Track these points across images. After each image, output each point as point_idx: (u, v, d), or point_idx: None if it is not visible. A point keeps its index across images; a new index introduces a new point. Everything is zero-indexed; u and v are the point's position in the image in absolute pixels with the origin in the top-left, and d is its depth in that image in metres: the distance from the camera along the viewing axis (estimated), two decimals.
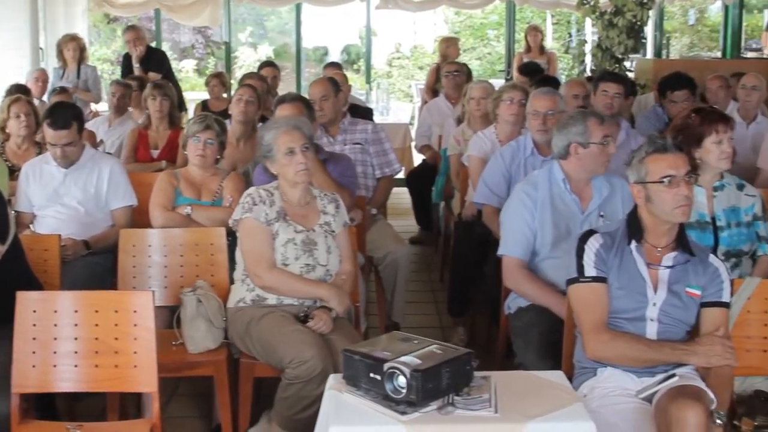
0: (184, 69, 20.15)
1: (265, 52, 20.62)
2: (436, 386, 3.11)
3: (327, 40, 20.85)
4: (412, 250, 7.44)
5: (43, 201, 5.43)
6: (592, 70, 9.76)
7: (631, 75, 10.34)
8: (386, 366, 3.11)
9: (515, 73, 11.24)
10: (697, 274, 3.66)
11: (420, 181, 8.76)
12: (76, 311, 3.78)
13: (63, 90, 8.69)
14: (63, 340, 3.76)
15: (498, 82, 9.00)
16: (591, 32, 13.31)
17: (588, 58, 10.39)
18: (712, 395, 3.41)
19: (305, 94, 6.31)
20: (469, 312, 6.14)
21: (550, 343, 4.16)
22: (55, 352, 3.76)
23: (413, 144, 10.02)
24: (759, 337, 3.94)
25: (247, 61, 19.59)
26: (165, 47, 14.95)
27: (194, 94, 14.78)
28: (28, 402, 3.94)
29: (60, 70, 10.01)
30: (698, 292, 3.65)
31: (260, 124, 6.38)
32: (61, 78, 9.84)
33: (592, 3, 9.80)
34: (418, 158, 9.78)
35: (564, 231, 4.49)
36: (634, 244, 3.67)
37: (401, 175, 8.26)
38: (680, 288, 3.64)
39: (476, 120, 7.08)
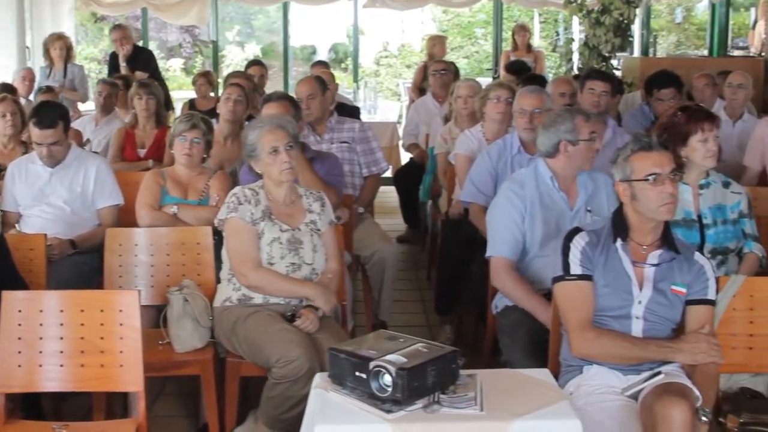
0: (172, 68, 20.12)
1: (253, 50, 20.61)
2: (421, 384, 3.11)
3: (315, 39, 20.83)
4: (399, 248, 7.45)
5: (29, 200, 5.41)
6: (579, 69, 9.79)
7: (618, 73, 10.39)
8: (372, 364, 3.11)
9: (502, 72, 11.24)
10: (683, 272, 3.67)
11: (407, 179, 8.74)
12: (61, 311, 3.78)
13: (49, 89, 8.66)
14: (49, 340, 3.76)
15: (486, 81, 8.97)
16: (578, 30, 13.33)
17: (575, 57, 10.42)
18: (697, 392, 3.41)
19: (293, 93, 6.30)
20: (456, 310, 6.14)
21: (537, 342, 4.16)
22: (40, 352, 3.75)
23: (401, 143, 10.02)
24: (744, 335, 3.95)
25: (234, 59, 19.57)
26: (152, 46, 14.93)
27: (182, 93, 14.75)
28: (14, 402, 3.93)
29: (46, 69, 9.98)
30: (684, 290, 3.65)
31: (248, 123, 6.37)
32: (47, 77, 9.81)
33: (579, 1, 9.84)
34: (405, 157, 9.78)
35: (553, 229, 4.49)
36: (619, 242, 3.68)
37: (389, 173, 8.27)
38: (666, 286, 3.65)
39: (463, 118, 7.08)
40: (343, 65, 20.34)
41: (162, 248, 4.88)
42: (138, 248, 4.88)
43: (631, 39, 11.33)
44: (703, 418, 3.35)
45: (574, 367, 3.70)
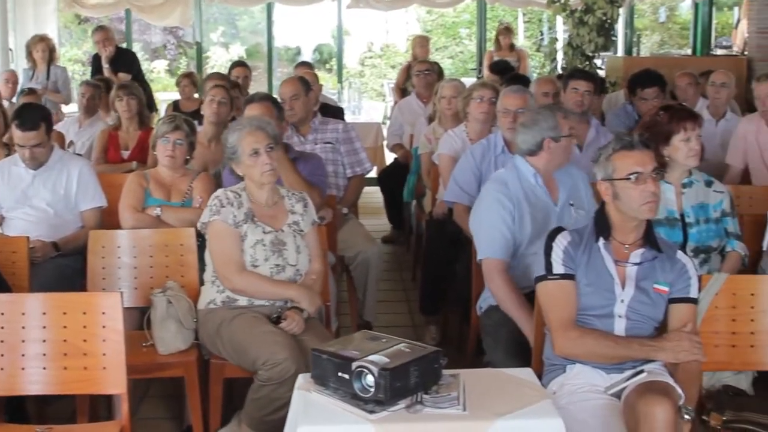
0: (156, 69, 20.09)
1: (237, 51, 20.59)
2: (404, 385, 3.11)
3: (299, 40, 20.85)
4: (383, 249, 7.44)
5: (11, 203, 5.38)
6: (563, 68, 9.80)
7: (601, 73, 10.40)
8: (354, 365, 3.11)
9: (486, 72, 11.25)
10: (665, 271, 3.67)
11: (391, 179, 8.73)
12: (44, 313, 3.76)
13: (32, 91, 8.63)
14: (31, 343, 3.73)
15: (470, 81, 9.00)
16: (562, 30, 13.36)
17: (559, 56, 10.44)
18: (680, 391, 3.43)
19: (277, 95, 6.30)
20: (441, 310, 6.14)
21: (520, 342, 4.17)
22: (23, 355, 3.73)
23: (385, 143, 10.02)
24: (727, 333, 3.96)
25: (219, 61, 19.55)
26: (136, 48, 14.90)
27: (166, 94, 14.73)
28: None
29: (29, 71, 9.92)
30: (666, 289, 3.66)
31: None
32: (30, 79, 9.75)
33: (562, 1, 9.84)
34: (390, 157, 9.78)
35: (542, 225, 4.46)
36: (602, 241, 3.68)
37: (373, 174, 8.26)
38: (648, 284, 3.65)
39: (447, 118, 7.08)
40: (327, 66, 20.35)
41: (145, 250, 4.86)
42: (121, 250, 4.86)
43: (614, 38, 11.35)
44: (686, 417, 3.35)
45: (558, 366, 3.71)
